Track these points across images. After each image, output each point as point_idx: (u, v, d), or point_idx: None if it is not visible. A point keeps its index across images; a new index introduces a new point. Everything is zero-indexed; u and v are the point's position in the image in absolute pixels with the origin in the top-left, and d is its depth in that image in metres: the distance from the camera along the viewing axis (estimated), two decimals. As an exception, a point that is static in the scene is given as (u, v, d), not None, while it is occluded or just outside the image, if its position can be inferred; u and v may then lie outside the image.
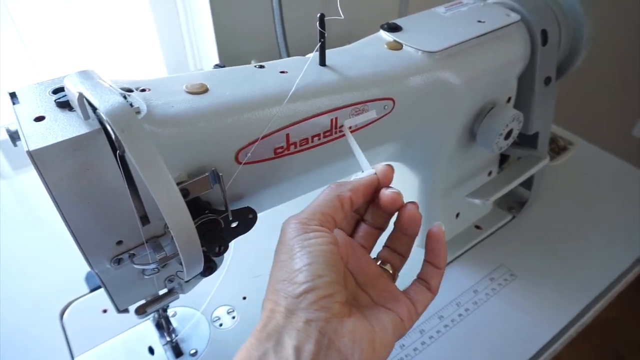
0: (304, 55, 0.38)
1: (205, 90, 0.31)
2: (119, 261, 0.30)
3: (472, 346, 0.46)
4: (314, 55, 0.37)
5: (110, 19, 0.69)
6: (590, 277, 0.52)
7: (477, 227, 0.57)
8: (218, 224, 0.31)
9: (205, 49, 0.76)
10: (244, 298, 0.49)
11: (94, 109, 0.25)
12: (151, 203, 0.29)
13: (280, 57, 0.69)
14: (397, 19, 0.44)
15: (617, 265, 0.53)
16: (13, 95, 0.28)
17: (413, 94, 0.39)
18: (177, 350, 0.45)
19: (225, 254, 0.32)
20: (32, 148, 0.24)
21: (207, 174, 0.30)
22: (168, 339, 0.45)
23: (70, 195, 0.26)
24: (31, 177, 0.67)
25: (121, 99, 0.23)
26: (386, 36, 0.42)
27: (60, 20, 0.65)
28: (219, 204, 0.32)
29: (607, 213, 0.60)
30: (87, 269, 0.47)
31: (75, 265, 0.52)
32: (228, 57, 0.73)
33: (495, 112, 0.45)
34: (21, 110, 0.27)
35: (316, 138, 0.35)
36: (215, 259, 0.34)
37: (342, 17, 0.36)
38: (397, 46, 0.41)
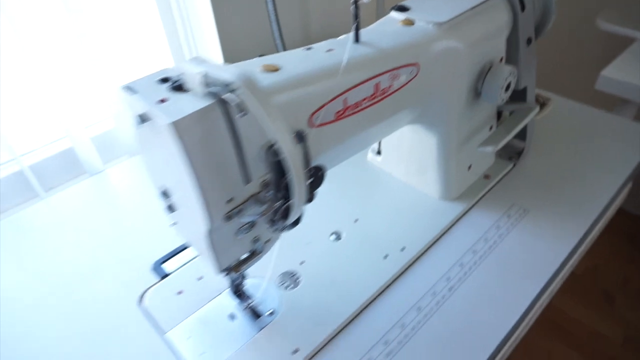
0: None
1: (278, 69, 0.38)
2: (229, 217, 0.36)
3: (507, 269, 0.53)
4: (348, 36, 0.44)
5: (112, 17, 0.73)
6: (588, 201, 0.61)
7: (486, 176, 0.65)
8: (302, 178, 0.38)
9: (204, 48, 0.82)
10: (302, 263, 0.55)
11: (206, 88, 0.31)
12: (252, 164, 0.35)
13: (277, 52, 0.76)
14: (403, 1, 0.52)
15: (607, 190, 0.62)
16: (129, 88, 0.34)
17: (431, 59, 0.47)
18: (255, 313, 0.50)
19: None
20: (171, 120, 0.30)
21: (294, 134, 0.36)
22: (246, 304, 0.50)
23: (198, 159, 0.32)
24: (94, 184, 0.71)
25: (244, 71, 0.30)
26: (398, 16, 0.50)
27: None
28: (299, 163, 0.38)
29: (588, 150, 0.69)
30: (153, 260, 0.54)
31: (141, 257, 0.58)
32: (230, 55, 0.79)
33: (495, 70, 0.53)
34: (142, 97, 0.33)
35: (364, 101, 0.42)
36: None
37: (368, 1, 0.43)
38: (409, 22, 0.49)
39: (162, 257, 0.57)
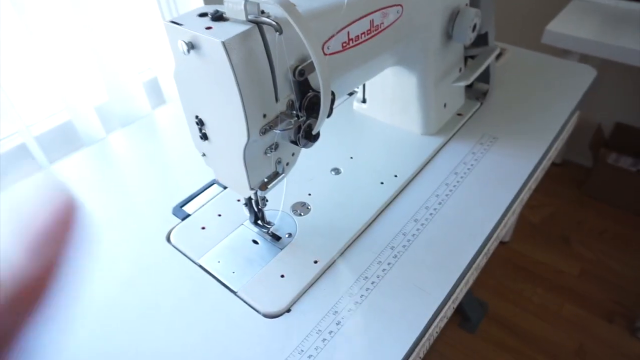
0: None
1: (295, 5, 0.44)
2: (264, 131, 0.43)
3: (485, 183, 0.62)
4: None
5: None
6: (545, 126, 0.71)
7: (459, 114, 0.74)
8: (319, 97, 0.45)
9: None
10: (309, 194, 0.62)
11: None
12: (280, 84, 0.42)
13: None
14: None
15: (560, 115, 0.73)
16: (175, 22, 0.39)
17: (411, 0, 0.55)
18: (275, 237, 0.57)
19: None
20: (222, 39, 0.36)
21: (310, 60, 0.43)
22: (266, 230, 0.57)
23: (242, 75, 0.38)
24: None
25: (280, -5, 0.36)
26: (380, -33, 0.57)
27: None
28: (316, 87, 0.45)
29: (542, 87, 0.80)
30: (172, 205, 0.60)
31: (160, 204, 0.63)
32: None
33: (463, 12, 0.62)
34: (189, 27, 0.38)
35: (363, 35, 0.49)
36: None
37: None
38: (391, -28, 0.56)
39: (182, 201, 0.63)
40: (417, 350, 0.47)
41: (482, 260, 0.57)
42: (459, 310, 1.27)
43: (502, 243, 1.51)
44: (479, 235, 0.56)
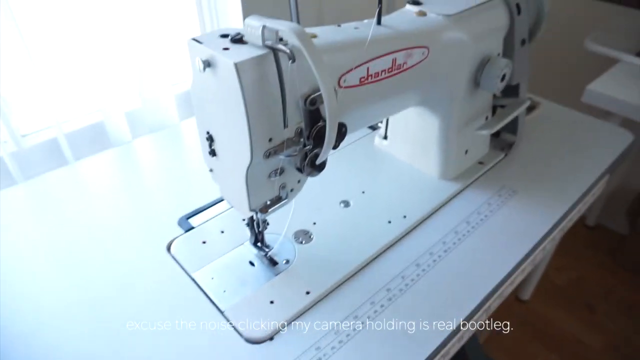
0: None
1: (316, 36, 0.45)
2: (268, 154, 0.43)
3: (496, 237, 0.60)
4: (372, 20, 0.51)
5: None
6: (570, 187, 0.68)
7: (480, 162, 0.72)
8: (329, 129, 0.45)
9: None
10: (314, 223, 0.62)
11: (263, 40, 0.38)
12: (290, 111, 0.42)
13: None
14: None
15: (584, 180, 0.70)
16: (196, 40, 0.41)
17: (440, 45, 0.55)
18: (272, 261, 0.56)
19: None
20: (235, 61, 0.37)
21: (325, 89, 0.43)
22: (264, 253, 0.57)
23: (251, 97, 0.39)
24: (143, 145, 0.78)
25: (297, 26, 0.37)
26: (412, 8, 0.58)
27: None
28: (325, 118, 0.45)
29: (572, 146, 0.77)
30: (179, 216, 0.60)
31: (167, 214, 0.64)
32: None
33: (493, 61, 0.61)
34: (208, 46, 0.40)
35: (383, 73, 0.49)
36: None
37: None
38: (423, 13, 0.56)
39: (188, 213, 0.64)
40: (396, 402, 0.45)
41: (481, 316, 0.54)
42: (465, 366, 1.21)
43: (520, 301, 1.44)
44: (482, 290, 0.53)
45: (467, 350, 1.00)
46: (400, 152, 0.73)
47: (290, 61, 0.38)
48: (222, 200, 0.66)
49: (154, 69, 0.82)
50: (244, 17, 0.83)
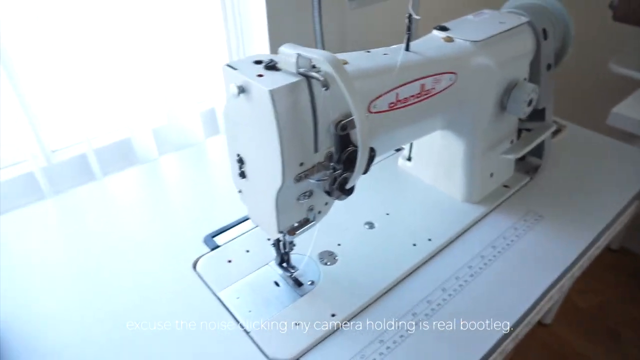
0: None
1: (347, 63, 0.46)
2: (299, 179, 0.43)
3: (523, 262, 0.59)
4: (400, 45, 0.52)
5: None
6: (597, 212, 0.67)
7: (505, 186, 0.72)
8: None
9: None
10: (339, 244, 0.62)
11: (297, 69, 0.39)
12: (321, 136, 0.43)
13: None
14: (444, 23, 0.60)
15: (616, 203, 0.69)
16: (231, 66, 0.42)
17: (467, 71, 0.55)
18: (297, 282, 0.57)
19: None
20: (270, 88, 0.38)
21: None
22: (289, 273, 0.57)
23: (285, 124, 0.39)
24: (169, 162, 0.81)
25: (331, 55, 0.38)
26: (439, 34, 0.58)
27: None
28: (357, 143, 0.46)
29: (599, 171, 0.76)
30: (204, 233, 0.61)
31: (192, 231, 0.64)
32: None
33: (520, 86, 0.61)
34: (242, 73, 0.41)
35: (412, 98, 0.50)
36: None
37: (419, 17, 0.52)
38: (450, 39, 0.57)
39: (214, 232, 0.64)
40: None
41: (508, 345, 0.53)
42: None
43: (542, 325, 1.41)
44: (510, 317, 0.53)
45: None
46: (423, 174, 0.73)
47: (324, 88, 0.39)
48: (247, 219, 0.66)
49: (180, 87, 0.83)
50: (270, 37, 0.86)
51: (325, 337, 0.51)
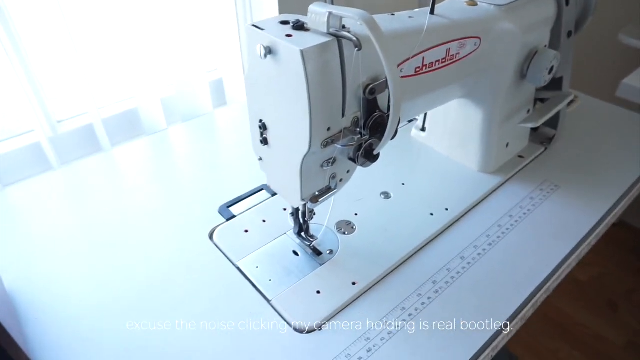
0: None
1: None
2: (326, 144, 0.42)
3: (540, 231, 0.59)
4: (425, 8, 0.51)
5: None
6: (614, 181, 0.67)
7: (520, 156, 0.71)
8: (385, 119, 0.44)
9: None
10: (356, 214, 0.61)
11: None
12: (349, 100, 0.42)
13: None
14: (466, -13, 0.59)
15: (628, 175, 0.69)
16: (257, 26, 0.40)
17: (491, 35, 0.54)
18: (316, 251, 0.56)
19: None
20: (302, 48, 0.36)
21: (384, 79, 0.42)
22: (308, 243, 0.56)
23: (315, 86, 0.38)
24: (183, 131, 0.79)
25: (366, 13, 0.36)
26: (462, -2, 0.57)
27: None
28: (383, 108, 0.45)
29: (613, 140, 0.76)
30: (217, 204, 0.60)
31: (207, 202, 0.64)
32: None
33: (541, 53, 0.60)
34: (270, 33, 0.39)
35: (437, 63, 0.49)
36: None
37: (444, -21, 0.50)
38: (473, 3, 0.55)
39: (229, 201, 0.64)
40: (447, 394, 0.44)
41: (528, 312, 0.54)
42: None
43: (542, 297, 1.43)
44: (528, 286, 0.53)
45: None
46: (438, 144, 0.72)
47: (357, 49, 0.37)
48: (262, 189, 0.65)
49: (188, 56, 0.81)
50: (280, 4, 0.83)
51: (347, 305, 0.51)
